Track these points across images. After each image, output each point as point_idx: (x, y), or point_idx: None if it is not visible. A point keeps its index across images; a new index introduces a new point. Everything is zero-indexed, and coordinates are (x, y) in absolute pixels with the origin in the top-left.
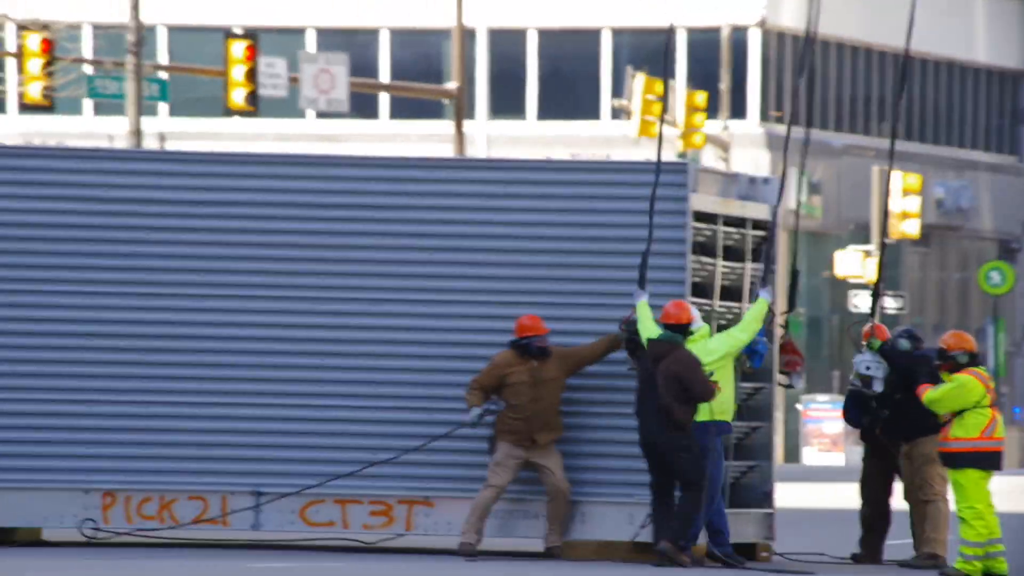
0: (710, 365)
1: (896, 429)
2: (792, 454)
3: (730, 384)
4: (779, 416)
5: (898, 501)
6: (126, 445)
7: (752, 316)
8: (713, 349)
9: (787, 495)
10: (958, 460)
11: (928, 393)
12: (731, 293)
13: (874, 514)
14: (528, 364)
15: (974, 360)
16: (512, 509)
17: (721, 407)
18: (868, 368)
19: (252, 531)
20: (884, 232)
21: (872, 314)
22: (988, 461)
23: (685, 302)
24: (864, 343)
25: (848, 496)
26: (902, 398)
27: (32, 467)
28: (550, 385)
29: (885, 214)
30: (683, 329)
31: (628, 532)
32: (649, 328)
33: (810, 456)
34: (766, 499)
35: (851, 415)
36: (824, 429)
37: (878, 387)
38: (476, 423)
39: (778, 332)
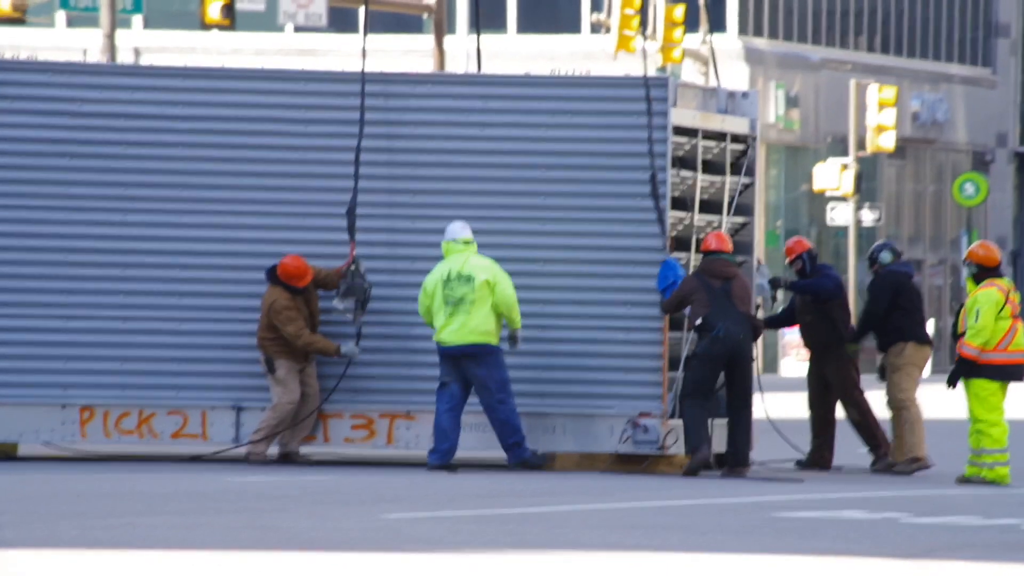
0: (481, 285)
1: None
2: (771, 365)
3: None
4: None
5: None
6: (104, 360)
7: (514, 318)
8: (494, 273)
9: (766, 405)
10: (972, 369)
11: (969, 335)
12: (710, 206)
13: (817, 420)
14: (297, 300)
15: (995, 272)
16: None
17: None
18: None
19: (232, 445)
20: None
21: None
22: (1002, 373)
23: (724, 234)
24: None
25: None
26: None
27: (9, 382)
28: (313, 309)
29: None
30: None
31: (609, 444)
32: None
33: (788, 367)
34: None
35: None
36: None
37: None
38: (357, 351)
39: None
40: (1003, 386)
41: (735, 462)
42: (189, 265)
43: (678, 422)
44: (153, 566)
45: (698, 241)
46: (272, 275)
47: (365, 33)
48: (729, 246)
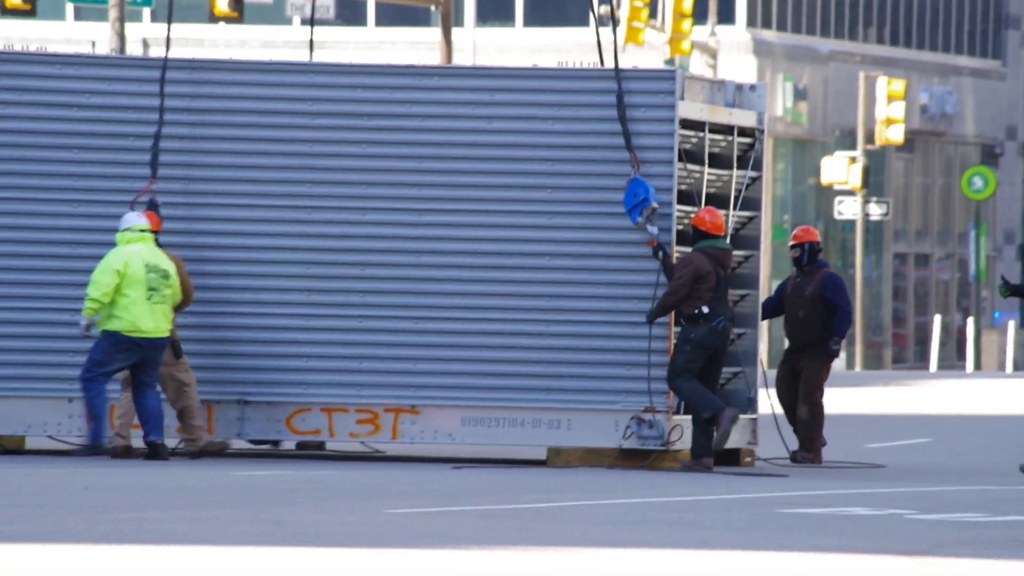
0: (173, 279)
1: None
2: (777, 360)
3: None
4: (764, 323)
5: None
6: None
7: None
8: (174, 267)
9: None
10: None
11: None
12: (717, 200)
13: (789, 412)
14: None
15: None
16: (501, 417)
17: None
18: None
19: (237, 440)
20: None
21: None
22: None
23: (716, 210)
24: None
25: (831, 401)
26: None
27: (16, 375)
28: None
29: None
30: (723, 237)
31: (614, 439)
32: None
33: None
34: (750, 405)
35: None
36: None
37: None
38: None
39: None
40: None
41: (700, 453)
42: (193, 258)
43: (683, 418)
44: (160, 560)
45: None
46: None
47: (170, 22)
48: (724, 225)
